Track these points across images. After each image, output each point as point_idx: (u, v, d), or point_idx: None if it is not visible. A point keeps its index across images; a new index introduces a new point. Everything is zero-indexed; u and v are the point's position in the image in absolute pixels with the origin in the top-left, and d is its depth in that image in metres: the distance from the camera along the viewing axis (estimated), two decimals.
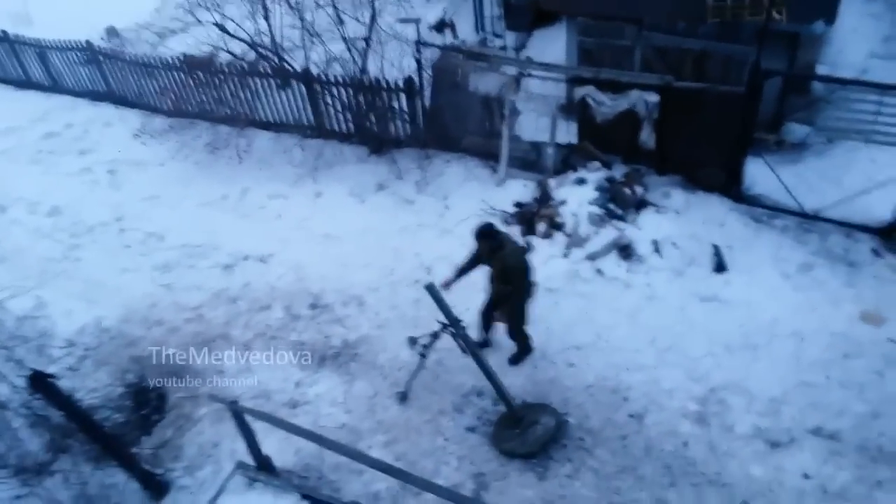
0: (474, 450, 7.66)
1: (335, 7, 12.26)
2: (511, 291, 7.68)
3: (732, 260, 9.12)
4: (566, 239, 9.65)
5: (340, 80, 11.53)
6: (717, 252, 9.16)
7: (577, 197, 9.91)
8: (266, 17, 12.55)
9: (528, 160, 11.06)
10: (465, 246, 7.98)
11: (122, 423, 8.35)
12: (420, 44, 11.05)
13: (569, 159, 10.75)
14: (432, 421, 7.99)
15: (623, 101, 9.87)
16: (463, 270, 7.90)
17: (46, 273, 10.55)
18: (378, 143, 11.89)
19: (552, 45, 12.55)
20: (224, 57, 12.74)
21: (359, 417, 8.17)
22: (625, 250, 9.37)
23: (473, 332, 8.01)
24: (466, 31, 14.03)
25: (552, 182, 10.39)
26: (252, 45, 12.61)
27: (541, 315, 8.87)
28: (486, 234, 7.48)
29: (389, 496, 7.31)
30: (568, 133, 10.80)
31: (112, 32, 16.64)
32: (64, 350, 9.18)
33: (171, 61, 12.88)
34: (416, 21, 11.34)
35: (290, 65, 12.37)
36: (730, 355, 8.14)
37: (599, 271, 9.29)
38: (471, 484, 7.36)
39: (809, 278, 8.75)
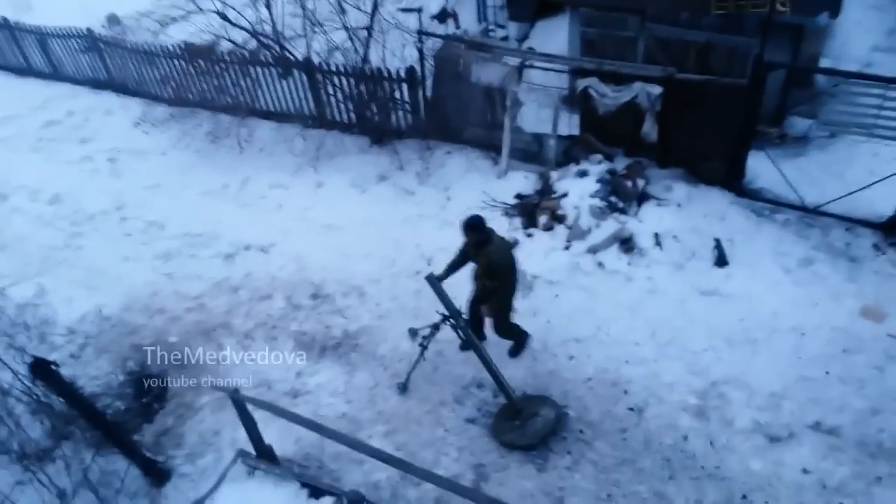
0: (474, 441, 7.67)
1: None
2: (497, 287, 7.63)
3: (733, 254, 9.12)
4: (567, 231, 9.65)
5: (342, 69, 11.50)
6: (719, 246, 9.16)
7: (578, 189, 9.90)
8: (267, 6, 12.49)
9: (530, 152, 11.05)
10: None
11: (123, 410, 8.42)
12: (422, 33, 11.02)
13: (571, 151, 10.74)
14: (432, 412, 8.00)
15: (625, 92, 9.83)
16: (453, 266, 7.84)
17: (47, 261, 10.55)
18: (379, 133, 11.87)
19: (555, 35, 12.50)
20: (225, 45, 12.70)
21: (359, 407, 8.18)
22: (626, 243, 9.37)
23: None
24: (469, 21, 13.98)
25: (554, 174, 10.38)
26: (253, 34, 12.56)
27: (541, 307, 8.92)
28: (474, 227, 7.38)
29: (389, 486, 7.33)
30: (570, 125, 10.77)
31: (113, 20, 16.59)
32: (65, 338, 9.25)
33: (172, 49, 12.84)
34: (419, 10, 11.33)
35: (291, 54, 12.33)
36: (730, 349, 8.14)
37: (600, 264, 9.29)
38: (470, 475, 7.37)
39: (810, 273, 8.75)
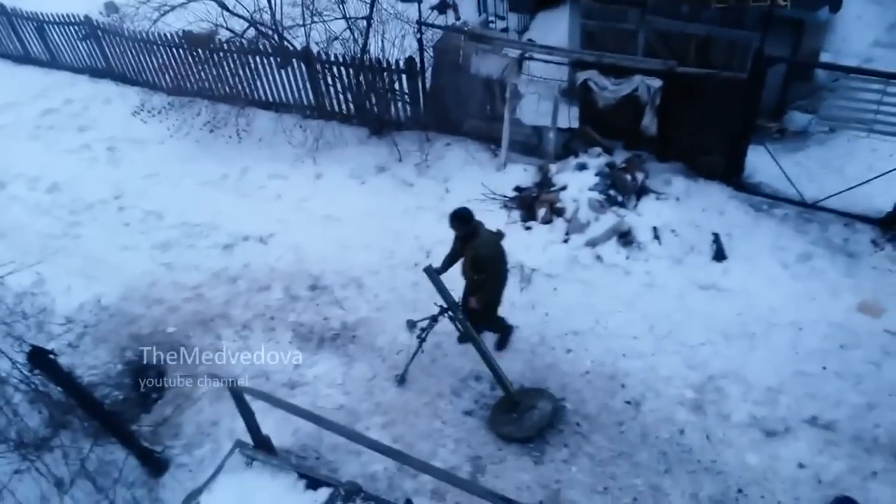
0: (471, 433, 7.70)
1: None
2: (484, 280, 7.61)
3: (732, 248, 9.13)
4: (566, 224, 9.65)
5: (341, 59, 11.47)
6: (717, 240, 9.17)
7: (577, 182, 9.89)
8: None
9: (530, 144, 11.04)
10: None
11: (121, 400, 8.40)
12: (422, 24, 10.98)
13: (570, 144, 10.74)
14: (430, 404, 8.02)
15: (625, 85, 9.81)
16: (450, 259, 7.82)
17: (46, 249, 10.51)
18: (378, 124, 11.85)
19: (555, 27, 12.50)
20: (224, 34, 12.65)
21: (357, 399, 8.20)
22: (624, 237, 9.38)
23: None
24: (469, 12, 13.97)
25: (553, 167, 10.38)
26: (252, 23, 12.51)
27: (540, 300, 8.94)
28: (460, 219, 7.35)
29: (386, 477, 7.36)
30: (569, 117, 10.77)
31: (111, 7, 16.48)
32: (63, 327, 9.22)
33: (170, 38, 12.79)
34: (419, 1, 11.26)
35: (290, 43, 12.28)
36: (727, 344, 8.17)
37: (599, 257, 9.30)
38: (467, 467, 7.40)
39: (808, 268, 8.77)
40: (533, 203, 10.07)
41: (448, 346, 8.49)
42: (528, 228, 9.87)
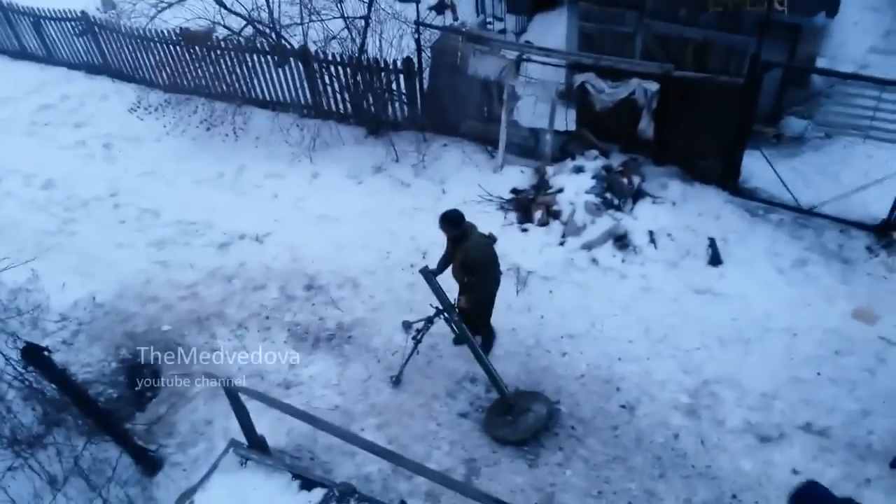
0: (466, 435, 7.70)
1: None
2: (473, 283, 7.56)
3: (727, 253, 9.15)
4: (562, 227, 9.65)
5: (339, 59, 11.45)
6: (713, 245, 9.19)
7: (574, 185, 9.90)
8: None
9: (527, 146, 11.04)
10: None
11: (115, 398, 8.39)
12: (420, 24, 10.97)
13: (567, 147, 10.74)
14: (425, 405, 8.02)
15: (622, 88, 9.84)
16: (445, 260, 7.79)
17: (41, 246, 10.46)
18: (376, 124, 11.84)
19: (553, 29, 12.52)
20: (221, 32, 12.62)
21: (352, 400, 8.19)
22: (620, 240, 9.39)
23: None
24: (467, 13, 13.97)
25: (550, 169, 10.38)
26: (250, 21, 12.48)
27: (535, 303, 8.95)
28: (450, 220, 7.33)
29: (380, 478, 7.35)
30: (566, 120, 10.78)
31: (108, 3, 16.43)
32: (57, 324, 9.23)
33: (167, 35, 12.74)
34: (417, 1, 11.25)
35: (287, 42, 12.26)
36: (722, 348, 8.19)
37: (595, 260, 9.31)
38: (462, 469, 7.40)
39: (803, 274, 8.80)
40: (529, 205, 10.08)
41: (443, 348, 8.50)
42: (524, 231, 9.88)
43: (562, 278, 9.22)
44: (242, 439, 7.29)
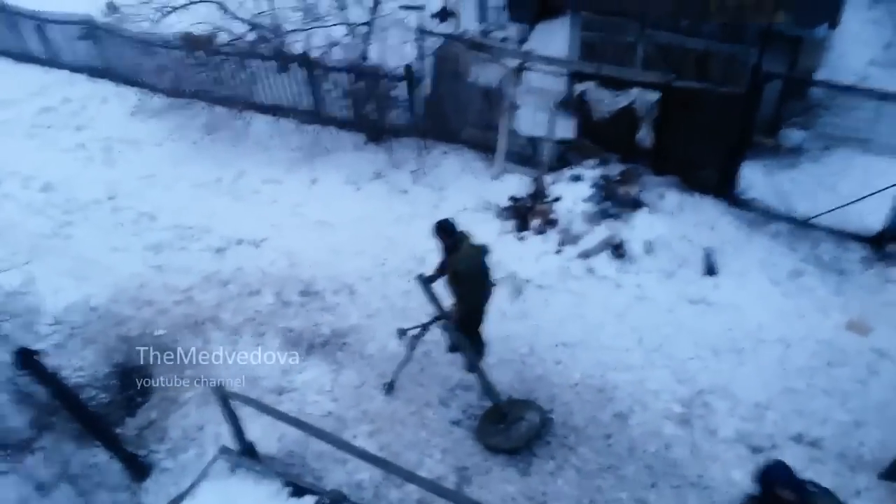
0: (458, 443, 7.67)
1: None
2: (463, 293, 7.48)
3: (723, 263, 9.12)
4: (559, 236, 9.64)
5: (340, 65, 11.46)
6: (709, 255, 9.15)
7: (572, 194, 9.90)
8: None
9: (525, 155, 11.04)
10: None
11: (107, 402, 8.37)
12: (422, 32, 10.98)
13: (566, 155, 10.72)
14: (418, 413, 8.00)
15: (623, 98, 9.83)
16: (440, 269, 7.70)
17: (37, 249, 10.52)
18: (376, 131, 11.85)
19: (555, 38, 12.47)
20: (224, 37, 12.66)
21: (345, 406, 8.17)
22: (617, 249, 9.36)
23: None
24: (469, 21, 13.92)
25: (548, 178, 10.37)
26: (252, 26, 12.52)
27: (531, 311, 8.93)
28: (442, 229, 7.29)
29: (372, 486, 7.34)
30: (566, 129, 10.76)
31: (112, 7, 16.47)
32: (51, 327, 9.21)
33: (170, 39, 12.78)
34: (419, 8, 11.27)
35: (290, 47, 12.28)
36: (716, 359, 8.15)
37: (591, 269, 9.29)
38: (453, 477, 7.37)
39: (798, 285, 8.76)
40: (527, 213, 10.07)
41: (437, 355, 8.47)
42: (521, 239, 9.87)
43: (558, 287, 9.20)
44: (233, 445, 7.28)
